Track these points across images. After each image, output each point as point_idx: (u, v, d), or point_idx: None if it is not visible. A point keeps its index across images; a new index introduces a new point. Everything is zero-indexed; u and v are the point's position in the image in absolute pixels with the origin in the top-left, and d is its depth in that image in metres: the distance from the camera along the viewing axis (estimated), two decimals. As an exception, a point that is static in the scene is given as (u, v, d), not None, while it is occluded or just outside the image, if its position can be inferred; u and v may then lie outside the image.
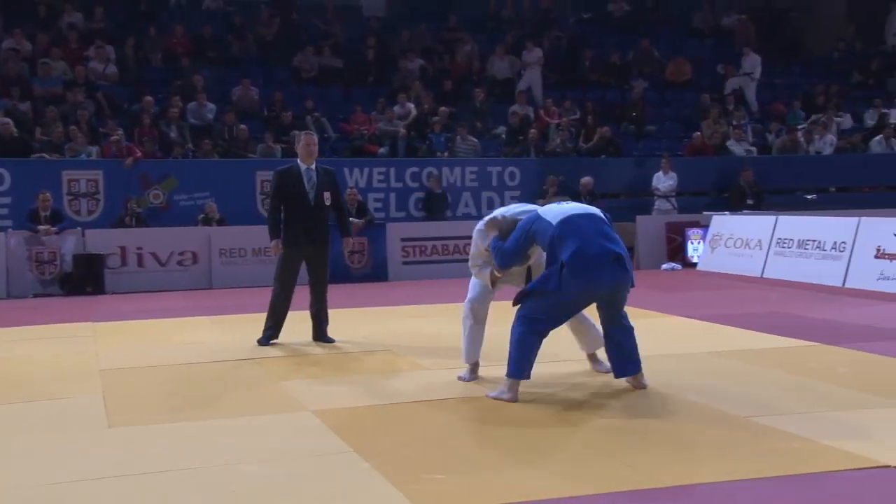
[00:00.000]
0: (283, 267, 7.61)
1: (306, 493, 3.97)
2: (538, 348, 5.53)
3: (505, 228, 5.72)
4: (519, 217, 5.75)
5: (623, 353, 5.64)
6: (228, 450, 4.58)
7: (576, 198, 14.89)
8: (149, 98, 14.77)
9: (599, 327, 5.86)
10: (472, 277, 6.20)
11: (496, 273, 5.92)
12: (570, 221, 5.43)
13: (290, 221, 7.55)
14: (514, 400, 5.46)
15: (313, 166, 7.65)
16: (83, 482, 4.14)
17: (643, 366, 5.68)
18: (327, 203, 7.62)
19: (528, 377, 5.52)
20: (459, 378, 6.11)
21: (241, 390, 6.00)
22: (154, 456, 4.52)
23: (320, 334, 7.76)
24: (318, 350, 7.38)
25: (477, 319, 6.10)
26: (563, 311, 5.56)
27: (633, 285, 5.55)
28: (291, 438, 4.79)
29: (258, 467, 4.28)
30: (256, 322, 8.89)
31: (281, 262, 7.62)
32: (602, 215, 5.61)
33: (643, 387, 5.72)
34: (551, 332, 5.57)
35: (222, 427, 5.03)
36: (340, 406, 5.43)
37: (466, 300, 6.13)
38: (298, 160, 7.69)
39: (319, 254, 7.65)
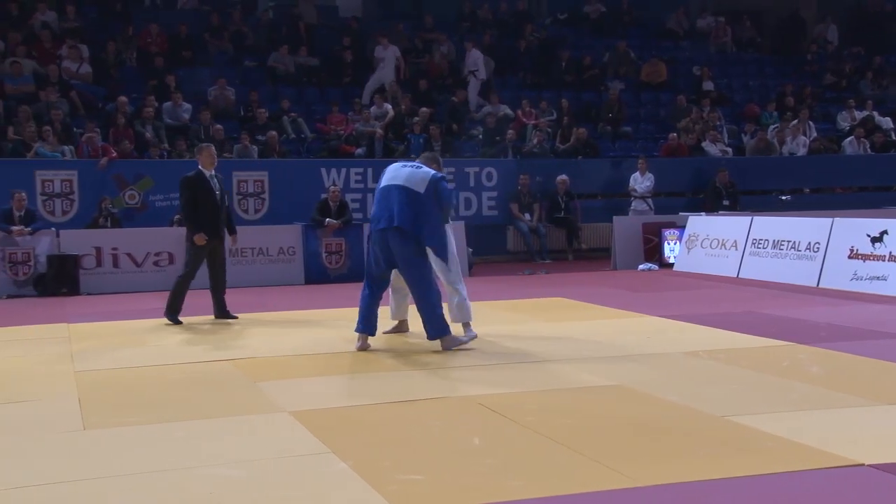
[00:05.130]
0: (194, 256, 8.89)
1: (282, 494, 3.96)
2: (369, 301, 7.16)
3: None
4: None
5: (424, 318, 7.05)
6: (205, 452, 4.56)
7: (552, 196, 15.01)
8: (123, 98, 14.65)
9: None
10: None
11: None
12: (385, 190, 6.94)
13: (202, 219, 8.82)
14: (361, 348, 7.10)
15: (214, 173, 8.99)
16: (57, 485, 4.11)
17: (620, 368, 5.72)
18: (225, 204, 9.17)
19: (360, 330, 7.18)
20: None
21: (218, 392, 5.97)
22: (129, 458, 4.49)
23: (222, 312, 8.98)
24: (295, 350, 7.35)
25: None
26: (374, 262, 7.12)
27: (430, 247, 6.90)
28: (268, 440, 4.78)
29: (234, 469, 4.27)
30: (232, 323, 8.88)
31: (193, 252, 8.87)
32: (413, 188, 6.84)
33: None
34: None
35: (199, 429, 5.01)
36: (317, 407, 5.42)
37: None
38: (200, 167, 8.95)
39: (221, 244, 9.08)
